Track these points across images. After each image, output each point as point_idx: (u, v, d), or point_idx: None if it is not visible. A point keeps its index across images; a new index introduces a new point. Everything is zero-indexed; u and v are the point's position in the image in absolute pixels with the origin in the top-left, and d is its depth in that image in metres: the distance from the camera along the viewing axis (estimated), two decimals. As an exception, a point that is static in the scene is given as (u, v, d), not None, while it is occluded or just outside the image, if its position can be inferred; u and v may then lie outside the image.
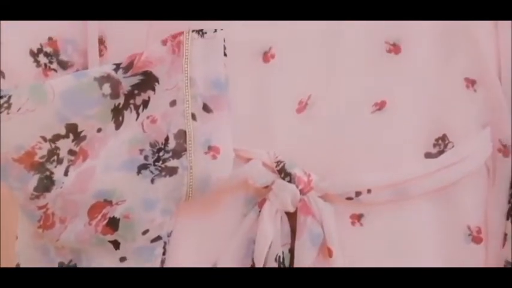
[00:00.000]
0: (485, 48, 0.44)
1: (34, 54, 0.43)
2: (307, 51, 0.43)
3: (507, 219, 0.45)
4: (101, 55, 0.44)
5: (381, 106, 0.44)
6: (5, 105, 0.40)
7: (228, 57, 0.42)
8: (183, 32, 0.41)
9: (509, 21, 0.44)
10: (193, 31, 0.41)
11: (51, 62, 0.43)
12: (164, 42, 0.41)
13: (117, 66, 0.41)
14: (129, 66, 0.41)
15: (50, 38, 0.43)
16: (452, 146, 0.44)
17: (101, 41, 0.44)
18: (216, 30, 0.42)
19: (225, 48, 0.42)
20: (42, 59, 0.43)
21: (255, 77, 0.43)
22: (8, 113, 0.39)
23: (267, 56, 0.43)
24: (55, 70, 0.43)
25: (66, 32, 0.43)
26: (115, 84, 0.41)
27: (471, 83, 0.44)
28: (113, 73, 0.41)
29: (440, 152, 0.44)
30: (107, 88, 0.40)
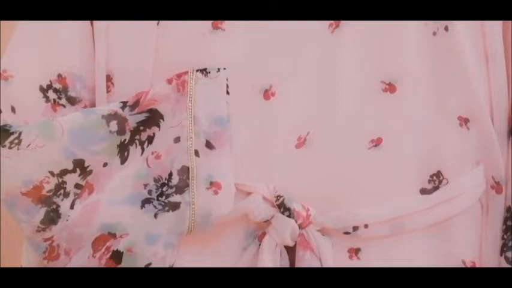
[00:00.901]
0: (478, 87, 0.46)
1: (44, 90, 0.45)
2: (306, 90, 0.45)
3: (501, 255, 0.46)
4: (108, 91, 0.45)
5: (377, 143, 0.45)
6: (16, 141, 0.41)
7: (231, 95, 0.43)
8: (187, 72, 0.43)
9: (502, 57, 0.46)
10: (197, 71, 0.43)
11: (60, 98, 0.45)
12: (169, 81, 0.43)
13: (124, 104, 0.42)
14: (136, 104, 0.42)
15: (59, 75, 0.45)
16: (447, 183, 0.45)
17: (109, 78, 0.45)
18: (219, 70, 0.43)
19: (227, 86, 0.43)
20: (52, 94, 0.45)
21: (255, 113, 0.44)
22: (18, 149, 0.40)
23: (267, 94, 0.45)
24: (63, 105, 0.45)
25: (75, 68, 0.45)
26: (122, 122, 0.42)
27: (464, 121, 0.46)
28: (120, 111, 0.42)
29: (435, 188, 0.45)
30: (114, 125, 0.42)
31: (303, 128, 0.45)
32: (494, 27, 0.45)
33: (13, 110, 0.44)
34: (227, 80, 0.43)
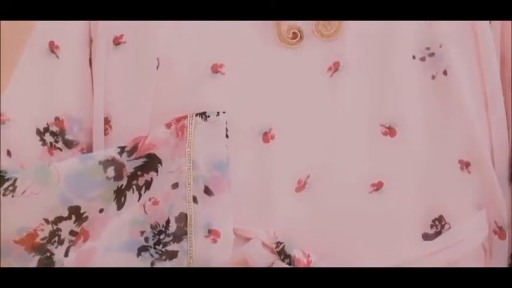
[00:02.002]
0: (478, 131, 0.45)
1: (40, 133, 0.44)
2: (306, 133, 0.44)
3: (505, 302, 0.44)
4: (106, 134, 0.44)
5: (378, 187, 0.44)
6: (10, 188, 0.40)
7: (230, 138, 0.43)
8: (186, 116, 0.42)
9: (501, 101, 0.46)
10: (196, 115, 0.42)
11: (56, 141, 0.44)
12: (168, 126, 0.42)
13: (122, 150, 0.42)
14: (134, 150, 0.42)
15: (56, 118, 0.44)
16: (449, 227, 0.44)
17: (107, 121, 0.45)
18: (218, 114, 0.43)
19: (227, 130, 0.43)
20: (48, 138, 0.44)
21: (255, 156, 0.44)
22: (12, 196, 0.40)
23: (267, 137, 0.44)
24: (60, 149, 0.44)
25: (72, 111, 0.44)
26: (119, 167, 0.41)
27: (465, 165, 0.45)
28: (117, 156, 0.41)
29: (438, 233, 0.44)
30: (111, 171, 0.41)
31: (303, 171, 0.44)
32: (493, 70, 0.45)
33: (9, 153, 0.43)
34: (226, 123, 0.43)
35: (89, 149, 0.45)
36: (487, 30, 0.45)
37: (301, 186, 0.44)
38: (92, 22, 0.46)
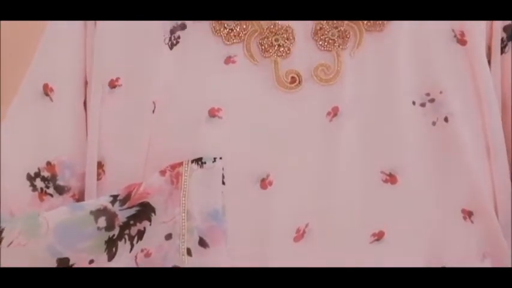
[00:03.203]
0: (480, 179, 0.44)
1: (31, 179, 0.42)
2: (305, 179, 0.43)
3: None
4: (99, 179, 0.43)
5: (379, 236, 0.42)
6: (-4, 239, 0.38)
7: (226, 185, 0.41)
8: (182, 163, 0.41)
9: (503, 148, 0.45)
10: (192, 162, 0.41)
11: (47, 187, 0.43)
12: (163, 173, 0.41)
13: (114, 198, 0.40)
14: (127, 198, 0.40)
15: (48, 163, 0.43)
16: (453, 279, 0.42)
17: (100, 165, 0.43)
18: (215, 160, 0.41)
19: (223, 177, 0.41)
20: (39, 183, 0.42)
21: (252, 204, 0.42)
22: (-2, 247, 0.38)
23: (264, 183, 0.43)
24: (51, 195, 0.42)
25: (65, 155, 0.43)
26: (111, 217, 0.40)
27: (468, 214, 0.44)
28: (109, 206, 0.40)
29: (441, 285, 0.42)
30: (102, 221, 0.39)
31: (301, 219, 0.42)
32: (495, 118, 0.44)
33: (-2, 199, 0.42)
34: (223, 169, 0.42)
35: (81, 195, 0.43)
36: (487, 76, 0.44)
37: (299, 236, 0.42)
38: (88, 64, 0.45)
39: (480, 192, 0.43)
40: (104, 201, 0.40)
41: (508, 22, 0.46)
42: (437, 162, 0.44)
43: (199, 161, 0.41)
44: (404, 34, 0.45)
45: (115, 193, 0.40)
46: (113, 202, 0.40)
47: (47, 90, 0.44)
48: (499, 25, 0.46)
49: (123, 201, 0.40)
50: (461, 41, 0.45)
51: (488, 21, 0.46)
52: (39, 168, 0.42)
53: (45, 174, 0.42)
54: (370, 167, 0.43)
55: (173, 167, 0.41)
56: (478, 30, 0.45)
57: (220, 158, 0.41)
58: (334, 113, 0.44)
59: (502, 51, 0.45)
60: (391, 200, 0.43)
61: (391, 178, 0.43)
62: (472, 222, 0.43)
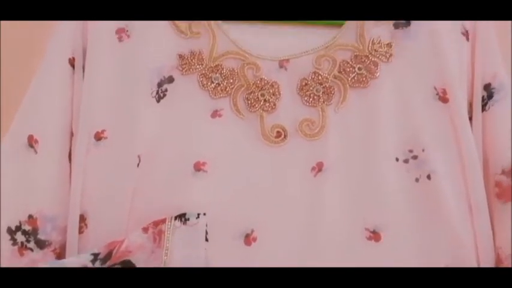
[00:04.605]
0: (463, 235, 0.44)
1: (12, 232, 0.42)
2: (289, 235, 0.42)
3: None
4: (81, 232, 0.42)
5: (362, 294, 0.42)
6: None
7: (210, 241, 0.41)
8: (165, 220, 0.40)
9: (485, 204, 0.45)
10: (175, 218, 0.41)
11: (28, 241, 0.42)
12: (145, 230, 0.40)
13: (95, 257, 0.39)
14: (108, 257, 0.39)
15: (30, 216, 0.42)
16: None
17: (82, 218, 0.42)
18: (198, 216, 0.41)
19: (206, 233, 0.41)
20: (20, 237, 0.42)
21: (236, 261, 0.41)
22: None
23: (248, 239, 0.42)
24: (31, 249, 0.42)
25: (47, 209, 0.42)
26: (91, 276, 0.39)
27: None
28: (90, 264, 0.39)
29: None
30: (82, 281, 0.39)
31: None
32: (477, 175, 0.44)
33: (-24, 255, 0.41)
34: (207, 225, 0.41)
35: (62, 249, 0.43)
36: (469, 134, 0.45)
37: (283, 292, 0.42)
38: (75, 116, 0.45)
39: (463, 249, 0.43)
40: (85, 259, 0.39)
41: (488, 81, 0.47)
42: (420, 220, 0.44)
43: (182, 218, 0.41)
44: (388, 90, 0.46)
45: (96, 251, 0.39)
46: (93, 260, 0.39)
47: (31, 142, 0.44)
48: (479, 83, 0.47)
49: (104, 260, 0.39)
50: (443, 98, 0.46)
51: (469, 79, 0.47)
52: (20, 222, 0.42)
53: (27, 228, 0.42)
54: (354, 224, 0.43)
55: (156, 224, 0.40)
56: (459, 88, 0.46)
57: (204, 214, 0.41)
58: (319, 168, 0.44)
59: (483, 108, 0.46)
60: (375, 257, 0.42)
61: (375, 235, 0.43)
62: (457, 274, 0.43)
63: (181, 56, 0.45)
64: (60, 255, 0.42)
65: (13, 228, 0.42)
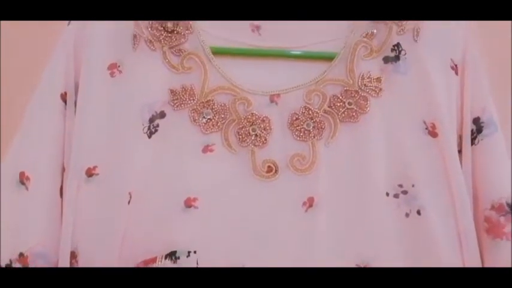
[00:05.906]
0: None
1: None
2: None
3: None
4: (71, 269, 0.42)
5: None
6: None
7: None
8: (155, 259, 0.40)
9: (474, 239, 0.45)
10: (166, 257, 0.41)
11: (18, 280, 0.42)
12: (136, 269, 0.41)
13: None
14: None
15: (21, 254, 0.42)
16: None
17: (73, 255, 0.42)
18: (189, 254, 0.41)
19: (197, 271, 0.41)
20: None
21: None
22: None
23: None
24: None
25: (38, 246, 0.42)
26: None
27: None
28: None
29: None
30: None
31: None
32: (466, 211, 0.44)
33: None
34: (197, 263, 0.41)
35: (52, 287, 0.42)
36: (458, 169, 0.45)
37: (274, 329, 0.41)
38: (66, 151, 0.45)
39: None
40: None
41: (477, 114, 0.47)
42: (410, 255, 0.44)
43: (173, 256, 0.41)
44: (378, 125, 0.46)
45: (86, 291, 0.39)
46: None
47: (23, 179, 0.44)
48: (468, 117, 0.47)
49: (93, 300, 0.39)
50: (432, 133, 0.46)
51: (459, 113, 0.47)
52: (10, 260, 0.42)
53: (17, 266, 0.41)
54: (345, 259, 0.43)
55: (146, 263, 0.40)
56: (448, 122, 0.46)
57: (195, 252, 0.41)
58: (310, 203, 0.44)
59: (472, 142, 0.46)
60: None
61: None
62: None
63: (172, 91, 0.46)
64: (51, 292, 0.42)
65: (3, 267, 0.41)
